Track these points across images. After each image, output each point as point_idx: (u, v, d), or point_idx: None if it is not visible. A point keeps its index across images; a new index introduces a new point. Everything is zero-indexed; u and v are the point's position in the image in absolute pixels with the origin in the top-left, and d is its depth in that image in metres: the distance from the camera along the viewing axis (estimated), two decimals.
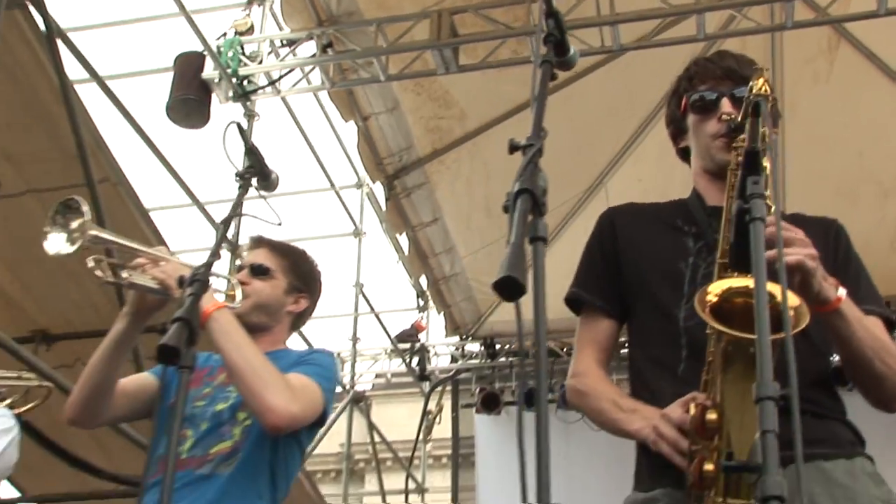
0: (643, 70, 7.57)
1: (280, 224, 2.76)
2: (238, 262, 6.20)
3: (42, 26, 4.88)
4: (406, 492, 10.35)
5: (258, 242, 3.24)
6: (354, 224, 9.60)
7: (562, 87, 7.98)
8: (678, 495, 2.20)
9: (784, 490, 1.48)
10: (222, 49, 7.21)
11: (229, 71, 7.18)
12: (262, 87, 7.41)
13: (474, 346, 10.60)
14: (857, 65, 7.99)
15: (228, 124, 2.50)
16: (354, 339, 9.39)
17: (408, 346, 10.56)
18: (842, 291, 2.24)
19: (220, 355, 2.77)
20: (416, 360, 10.47)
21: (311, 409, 2.81)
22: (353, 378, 10.24)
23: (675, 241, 2.56)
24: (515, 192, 1.59)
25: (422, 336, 10.60)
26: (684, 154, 2.77)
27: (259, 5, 7.53)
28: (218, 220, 7.10)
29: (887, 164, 8.43)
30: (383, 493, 9.97)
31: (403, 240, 9.04)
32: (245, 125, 7.49)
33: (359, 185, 9.60)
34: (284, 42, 7.34)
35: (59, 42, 5.07)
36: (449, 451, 11.77)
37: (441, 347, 10.88)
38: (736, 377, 1.98)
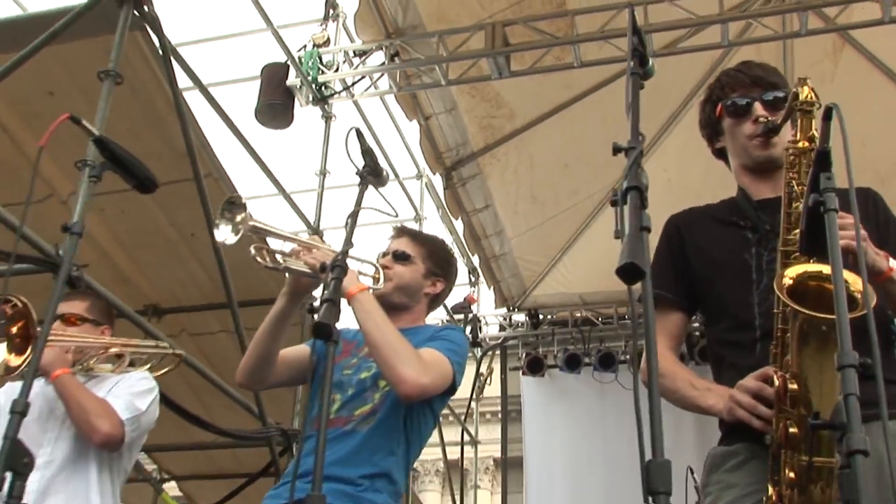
0: (666, 74, 7.51)
1: (396, 215, 2.77)
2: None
3: (157, 44, 4.92)
4: (462, 443, 10.40)
5: (401, 232, 3.23)
6: (416, 210, 9.60)
7: (597, 88, 7.96)
8: (756, 447, 2.22)
9: (867, 445, 1.49)
10: (303, 59, 7.27)
11: (309, 78, 7.25)
12: (338, 93, 7.47)
13: (520, 317, 10.71)
14: (860, 66, 7.88)
15: (350, 130, 2.50)
16: None
17: (461, 316, 10.56)
18: (893, 262, 2.26)
19: (361, 332, 2.78)
20: (468, 328, 10.49)
21: (441, 380, 2.79)
22: None
23: (736, 235, 2.55)
24: (625, 189, 1.59)
25: (474, 308, 10.60)
26: (720, 153, 2.77)
27: (334, 21, 7.56)
28: (301, 207, 7.17)
29: (885, 154, 8.30)
30: (443, 445, 9.97)
31: (458, 224, 9.09)
32: (323, 126, 7.53)
33: (419, 177, 9.60)
34: (357, 52, 7.38)
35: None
36: (498, 408, 11.79)
37: (491, 318, 10.92)
38: (812, 352, 1.99)
